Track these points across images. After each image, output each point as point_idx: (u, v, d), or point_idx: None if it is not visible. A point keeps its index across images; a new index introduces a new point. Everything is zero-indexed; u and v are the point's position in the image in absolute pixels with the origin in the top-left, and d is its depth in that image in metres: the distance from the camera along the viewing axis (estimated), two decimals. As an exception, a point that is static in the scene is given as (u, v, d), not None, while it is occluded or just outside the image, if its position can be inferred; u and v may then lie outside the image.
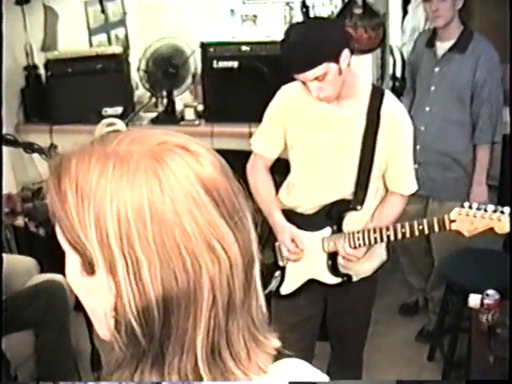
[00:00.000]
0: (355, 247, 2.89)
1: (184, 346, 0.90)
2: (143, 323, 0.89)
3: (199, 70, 4.83)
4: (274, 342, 1.02)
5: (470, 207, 2.74)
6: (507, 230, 2.70)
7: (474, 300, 3.32)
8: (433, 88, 4.01)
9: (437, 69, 4.00)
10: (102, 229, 0.88)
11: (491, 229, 2.72)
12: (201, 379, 0.91)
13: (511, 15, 3.90)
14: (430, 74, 4.04)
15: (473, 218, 2.73)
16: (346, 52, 2.65)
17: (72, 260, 0.96)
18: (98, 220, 0.88)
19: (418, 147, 3.79)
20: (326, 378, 1.10)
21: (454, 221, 2.75)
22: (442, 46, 3.98)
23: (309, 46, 2.61)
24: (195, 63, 4.84)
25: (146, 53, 4.90)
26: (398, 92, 5.12)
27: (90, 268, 0.92)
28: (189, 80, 4.91)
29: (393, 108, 2.87)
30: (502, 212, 2.69)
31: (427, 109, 4.05)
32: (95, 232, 0.89)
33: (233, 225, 0.93)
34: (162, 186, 0.89)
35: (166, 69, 4.84)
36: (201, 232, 0.89)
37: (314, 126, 2.87)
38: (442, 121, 4.01)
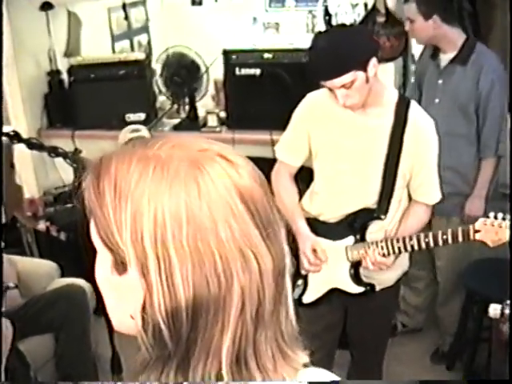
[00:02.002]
0: (384, 255, 2.89)
1: (210, 351, 0.91)
2: (171, 326, 0.90)
3: (210, 79, 4.87)
4: (303, 358, 1.02)
5: (496, 217, 2.72)
6: None
7: (494, 310, 3.29)
8: (437, 100, 3.90)
9: (440, 81, 3.91)
10: (137, 229, 0.89)
11: None
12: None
13: (511, 18, 3.80)
14: (434, 86, 3.95)
15: (498, 229, 2.71)
16: (373, 60, 2.64)
17: (103, 258, 0.96)
18: (134, 220, 0.89)
19: None
20: None
21: (478, 231, 2.74)
22: (444, 58, 3.88)
23: (338, 53, 2.60)
24: (208, 75, 4.87)
25: (159, 59, 4.95)
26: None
27: (121, 267, 0.93)
28: (201, 88, 4.94)
29: (418, 117, 2.86)
30: (528, 223, 2.68)
31: None
32: (130, 232, 0.90)
33: (266, 236, 0.94)
34: (200, 192, 0.90)
35: (172, 77, 4.89)
36: (235, 240, 0.90)
37: (339, 134, 2.87)
38: (446, 134, 3.70)
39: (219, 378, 0.91)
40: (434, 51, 3.97)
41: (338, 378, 1.09)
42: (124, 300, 0.95)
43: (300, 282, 3.07)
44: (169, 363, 0.92)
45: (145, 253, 0.89)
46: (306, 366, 1.02)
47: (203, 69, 4.85)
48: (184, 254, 0.88)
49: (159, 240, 0.88)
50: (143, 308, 0.91)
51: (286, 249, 0.99)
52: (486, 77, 3.72)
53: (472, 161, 3.91)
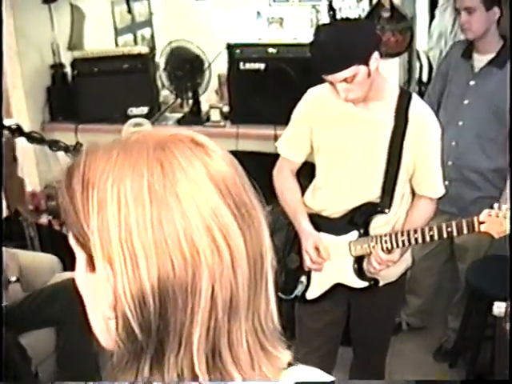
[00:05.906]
0: (388, 251, 2.87)
1: (181, 341, 0.87)
2: (139, 314, 0.86)
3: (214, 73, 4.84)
4: (286, 355, 0.97)
5: (500, 208, 2.70)
6: None
7: (498, 308, 3.27)
8: (466, 102, 3.79)
9: (472, 82, 3.77)
10: (103, 215, 0.87)
11: None
12: (196, 378, 0.87)
13: (511, 15, 3.75)
14: (464, 86, 3.81)
15: (503, 220, 2.69)
16: (375, 55, 2.63)
17: (79, 260, 0.95)
18: (100, 206, 0.87)
19: (449, 163, 3.70)
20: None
21: (483, 222, 2.72)
22: (479, 59, 3.76)
23: (339, 47, 2.59)
24: (210, 69, 4.84)
25: (163, 53, 4.93)
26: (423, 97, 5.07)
27: (92, 263, 0.91)
28: (203, 82, 4.91)
29: (420, 111, 2.84)
30: (534, 213, 2.65)
31: (460, 123, 3.82)
32: (96, 219, 0.87)
33: (239, 216, 0.89)
34: (163, 170, 0.87)
35: (175, 71, 4.87)
36: (202, 218, 0.86)
37: (340, 128, 2.85)
38: (475, 136, 3.79)
39: (192, 369, 0.87)
40: (466, 50, 3.84)
41: (329, 377, 1.04)
42: (99, 299, 0.92)
43: (303, 278, 3.06)
44: (142, 358, 0.88)
45: (109, 239, 0.86)
46: (290, 364, 0.97)
47: (207, 63, 4.82)
48: (146, 236, 0.85)
49: (123, 223, 0.85)
50: (114, 302, 0.88)
51: (267, 238, 0.95)
52: None
53: (501, 165, 3.79)
